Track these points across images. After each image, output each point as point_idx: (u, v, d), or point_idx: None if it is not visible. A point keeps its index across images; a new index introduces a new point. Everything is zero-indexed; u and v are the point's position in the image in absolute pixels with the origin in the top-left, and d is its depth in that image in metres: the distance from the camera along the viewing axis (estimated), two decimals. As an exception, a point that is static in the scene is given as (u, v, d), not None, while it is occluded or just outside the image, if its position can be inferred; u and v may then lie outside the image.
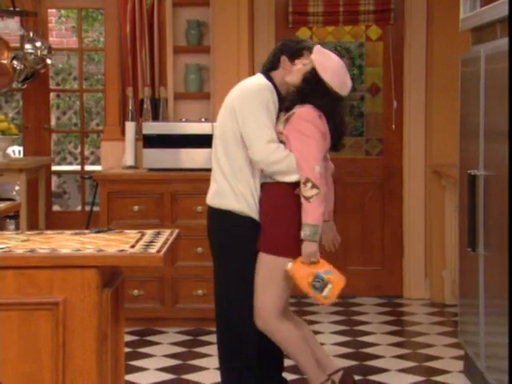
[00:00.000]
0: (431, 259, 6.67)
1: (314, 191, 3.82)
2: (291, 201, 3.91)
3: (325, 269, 3.92)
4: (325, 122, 3.95)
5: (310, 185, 3.83)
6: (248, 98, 3.99)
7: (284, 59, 4.12)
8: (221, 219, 4.06)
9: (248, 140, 3.96)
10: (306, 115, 3.90)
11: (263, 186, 4.02)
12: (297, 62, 4.09)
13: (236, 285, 4.01)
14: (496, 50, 4.04)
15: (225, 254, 4.08)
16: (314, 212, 3.83)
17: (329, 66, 3.96)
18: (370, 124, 7.00)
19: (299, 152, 3.88)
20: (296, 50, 4.13)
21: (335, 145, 4.07)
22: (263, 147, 3.92)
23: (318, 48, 4.04)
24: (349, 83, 4.02)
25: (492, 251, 4.15)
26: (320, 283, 3.90)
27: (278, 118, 4.03)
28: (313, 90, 3.93)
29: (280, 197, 3.95)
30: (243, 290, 3.99)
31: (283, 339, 4.03)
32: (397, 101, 6.79)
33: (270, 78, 4.11)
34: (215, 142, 4.10)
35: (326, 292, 3.91)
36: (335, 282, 3.93)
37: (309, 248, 3.87)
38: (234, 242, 4.03)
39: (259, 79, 4.11)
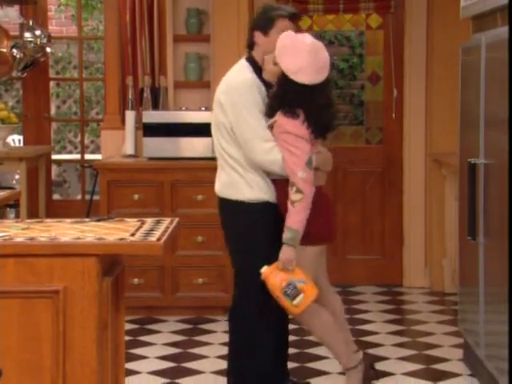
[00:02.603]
0: (431, 248, 6.67)
1: (299, 196, 3.84)
2: None
3: (299, 277, 3.87)
4: (306, 124, 3.89)
5: (294, 189, 3.85)
6: (237, 99, 3.93)
7: (258, 35, 4.04)
8: (236, 209, 4.04)
9: (243, 141, 3.94)
10: (287, 125, 3.87)
11: (275, 182, 4.01)
12: (270, 36, 3.98)
13: (255, 270, 3.95)
14: (496, 38, 4.03)
15: (244, 243, 4.05)
16: (295, 216, 3.85)
17: (295, 61, 3.85)
18: (371, 113, 6.99)
19: (285, 160, 3.88)
20: (267, 22, 4.02)
21: (322, 134, 3.99)
22: (259, 147, 3.90)
23: (280, 40, 3.90)
24: (324, 68, 3.88)
25: (492, 240, 4.15)
26: (292, 291, 3.84)
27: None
28: (287, 92, 3.87)
29: None
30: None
31: (314, 325, 4.08)
32: (397, 89, 6.78)
33: (253, 61, 4.05)
34: (214, 134, 4.09)
35: (296, 301, 3.86)
36: (308, 292, 3.87)
37: (287, 253, 3.87)
38: (252, 230, 4.00)
39: (243, 73, 4.01)
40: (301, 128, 3.88)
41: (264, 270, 3.88)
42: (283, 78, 3.89)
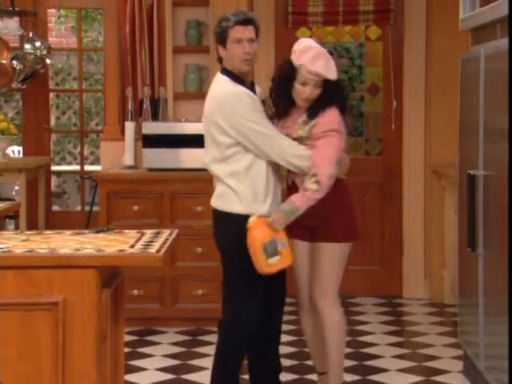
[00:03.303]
0: (431, 259, 6.67)
1: (315, 187, 3.90)
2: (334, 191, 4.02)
3: (282, 240, 3.90)
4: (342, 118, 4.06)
5: (314, 179, 3.90)
6: (231, 114, 3.94)
7: (220, 49, 4.06)
8: (226, 222, 4.05)
9: (258, 149, 3.95)
10: (332, 124, 3.98)
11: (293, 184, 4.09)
12: (228, 48, 4.00)
13: (244, 284, 4.00)
14: (496, 49, 4.04)
15: (232, 255, 4.06)
16: (305, 201, 3.91)
17: (334, 67, 4.00)
18: (370, 124, 7.00)
19: (319, 151, 3.94)
20: (222, 34, 4.03)
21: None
22: (279, 145, 3.94)
23: (317, 64, 3.94)
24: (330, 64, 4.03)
25: (491, 251, 4.15)
26: (272, 250, 3.86)
27: (288, 117, 4.08)
28: (325, 92, 3.98)
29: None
30: (251, 288, 3.99)
31: (331, 322, 4.16)
32: (396, 101, 6.79)
33: (228, 71, 4.05)
34: (207, 149, 4.11)
35: (272, 260, 3.87)
36: (284, 257, 3.89)
37: (279, 217, 3.91)
38: (241, 243, 4.00)
39: (223, 86, 4.02)
40: (341, 124, 4.01)
41: (252, 220, 3.88)
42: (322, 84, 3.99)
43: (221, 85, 4.05)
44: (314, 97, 3.98)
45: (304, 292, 4.20)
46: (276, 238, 3.88)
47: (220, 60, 4.11)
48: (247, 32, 4.02)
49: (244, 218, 3.96)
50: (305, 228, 4.09)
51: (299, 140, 4.00)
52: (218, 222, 4.12)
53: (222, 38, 4.04)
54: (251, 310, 4.03)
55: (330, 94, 3.98)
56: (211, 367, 4.15)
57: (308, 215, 3.97)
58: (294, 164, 3.98)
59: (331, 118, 3.98)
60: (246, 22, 4.04)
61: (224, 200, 4.04)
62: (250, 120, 3.93)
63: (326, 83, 3.96)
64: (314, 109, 3.99)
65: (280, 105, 4.06)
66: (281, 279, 4.15)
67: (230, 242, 4.04)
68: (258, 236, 3.86)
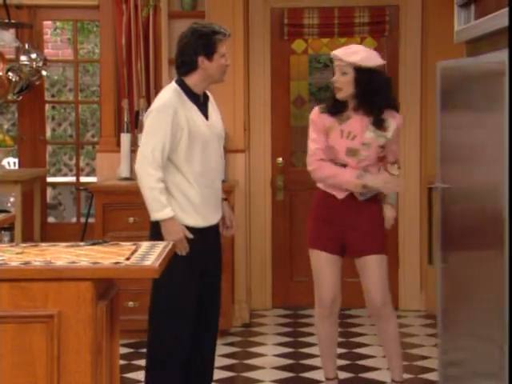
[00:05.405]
0: (427, 271, 6.66)
1: (398, 171, 4.76)
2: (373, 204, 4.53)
3: None
4: None
5: (396, 165, 4.74)
6: (148, 118, 4.07)
7: (202, 60, 4.05)
8: (154, 229, 4.16)
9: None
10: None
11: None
12: (214, 60, 4.06)
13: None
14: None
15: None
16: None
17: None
18: (366, 136, 6.99)
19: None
20: (210, 46, 4.05)
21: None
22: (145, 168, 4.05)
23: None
24: None
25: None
26: None
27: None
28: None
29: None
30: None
31: (396, 325, 4.64)
32: (392, 112, 6.78)
33: (183, 84, 4.08)
34: None
35: None
36: None
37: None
38: None
39: (165, 95, 4.09)
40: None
41: None
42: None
43: (163, 94, 4.12)
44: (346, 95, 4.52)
45: (328, 299, 4.69)
46: None
47: (187, 70, 4.08)
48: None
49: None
50: (337, 241, 4.42)
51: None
52: (150, 230, 4.20)
53: (210, 51, 4.04)
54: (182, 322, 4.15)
55: None
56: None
57: (344, 228, 4.34)
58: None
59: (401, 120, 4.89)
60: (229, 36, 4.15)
61: None
62: (150, 130, 4.03)
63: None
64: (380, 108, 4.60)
65: None
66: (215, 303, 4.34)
67: None
68: None
